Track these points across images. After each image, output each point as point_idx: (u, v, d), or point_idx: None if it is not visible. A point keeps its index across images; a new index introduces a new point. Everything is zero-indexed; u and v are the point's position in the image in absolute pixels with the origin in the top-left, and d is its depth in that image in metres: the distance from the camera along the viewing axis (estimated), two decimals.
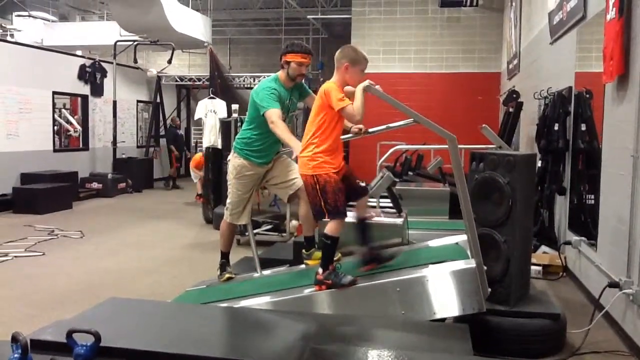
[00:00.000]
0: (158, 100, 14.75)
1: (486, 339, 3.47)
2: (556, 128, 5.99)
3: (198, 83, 15.09)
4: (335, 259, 4.01)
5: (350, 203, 3.81)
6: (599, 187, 4.70)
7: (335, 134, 3.66)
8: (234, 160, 4.26)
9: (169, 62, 13.48)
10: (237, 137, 4.39)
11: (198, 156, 10.71)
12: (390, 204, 4.94)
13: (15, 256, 6.32)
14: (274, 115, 3.95)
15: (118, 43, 13.01)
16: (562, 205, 6.07)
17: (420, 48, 13.45)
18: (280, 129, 3.94)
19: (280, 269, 4.53)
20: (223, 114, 9.87)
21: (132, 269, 6.05)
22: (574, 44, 5.76)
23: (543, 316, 3.70)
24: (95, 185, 11.91)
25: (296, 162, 3.95)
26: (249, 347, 2.81)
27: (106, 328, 2.54)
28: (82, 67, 12.38)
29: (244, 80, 14.28)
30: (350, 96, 3.57)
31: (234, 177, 4.26)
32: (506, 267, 3.76)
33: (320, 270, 3.62)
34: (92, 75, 12.59)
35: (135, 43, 13.17)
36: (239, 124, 7.38)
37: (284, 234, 7.13)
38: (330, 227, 3.62)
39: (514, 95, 9.21)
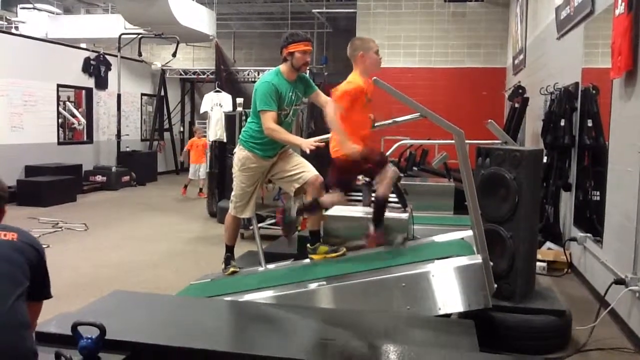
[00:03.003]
0: (162, 93, 14.74)
1: (491, 335, 3.45)
2: (562, 124, 5.96)
3: (202, 77, 15.09)
4: (339, 253, 4.05)
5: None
6: (605, 183, 4.67)
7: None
8: (239, 153, 4.26)
9: (174, 55, 13.47)
10: (242, 129, 4.39)
11: (201, 142, 10.74)
12: (396, 199, 4.92)
13: None
14: (268, 120, 3.96)
15: (122, 36, 13.00)
16: (567, 202, 6.05)
17: (426, 43, 13.40)
18: (277, 132, 3.98)
19: (284, 263, 4.52)
20: (229, 107, 9.86)
21: (136, 262, 6.06)
22: (581, 40, 5.73)
23: (548, 312, 3.69)
24: (99, 178, 11.92)
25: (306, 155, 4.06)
26: (253, 340, 2.81)
27: (111, 321, 2.54)
28: (87, 60, 12.38)
29: (248, 74, 14.25)
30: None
31: (238, 170, 4.25)
32: (512, 263, 3.75)
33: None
34: (96, 68, 12.59)
35: (140, 36, 13.15)
36: (243, 117, 7.37)
37: None
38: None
39: (520, 91, 9.17)
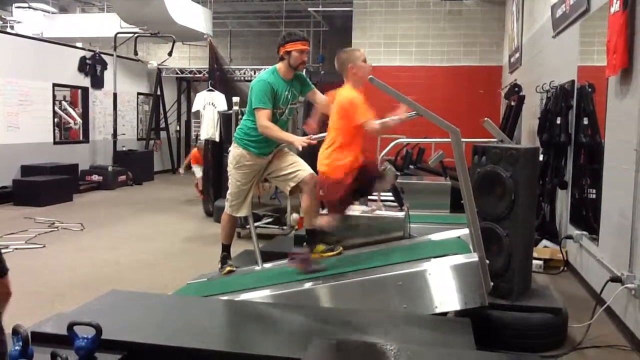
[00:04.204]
0: (158, 92, 14.71)
1: (488, 333, 3.46)
2: (558, 122, 5.97)
3: (199, 76, 15.05)
4: (336, 252, 4.06)
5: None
6: (601, 181, 4.68)
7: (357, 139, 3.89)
8: (234, 150, 4.26)
9: (170, 54, 13.43)
10: (237, 127, 4.39)
11: (194, 151, 10.64)
12: (392, 198, 4.93)
13: (16, 248, 6.30)
14: (262, 117, 4.00)
15: (118, 35, 12.96)
16: (563, 199, 6.06)
17: (422, 41, 13.40)
18: (270, 130, 4.01)
19: (281, 262, 4.52)
20: (222, 106, 9.83)
21: (132, 261, 6.05)
22: (577, 38, 5.73)
23: (545, 310, 3.69)
24: (95, 177, 11.89)
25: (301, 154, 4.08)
26: (249, 340, 2.81)
27: (107, 320, 2.53)
28: (83, 59, 12.33)
29: (244, 73, 14.21)
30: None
31: (233, 167, 4.26)
32: (508, 261, 3.75)
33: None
34: (92, 67, 12.55)
35: (136, 35, 13.11)
36: (239, 116, 7.36)
37: (284, 227, 7.12)
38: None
39: (516, 89, 9.18)
